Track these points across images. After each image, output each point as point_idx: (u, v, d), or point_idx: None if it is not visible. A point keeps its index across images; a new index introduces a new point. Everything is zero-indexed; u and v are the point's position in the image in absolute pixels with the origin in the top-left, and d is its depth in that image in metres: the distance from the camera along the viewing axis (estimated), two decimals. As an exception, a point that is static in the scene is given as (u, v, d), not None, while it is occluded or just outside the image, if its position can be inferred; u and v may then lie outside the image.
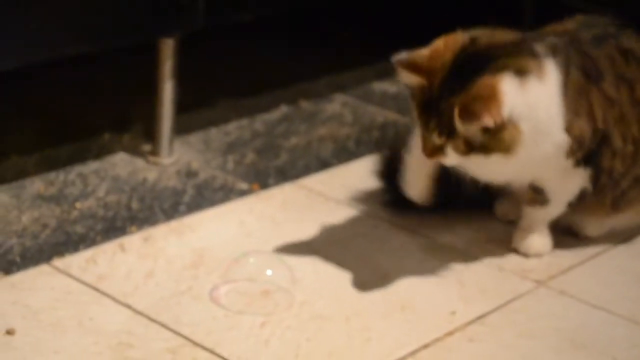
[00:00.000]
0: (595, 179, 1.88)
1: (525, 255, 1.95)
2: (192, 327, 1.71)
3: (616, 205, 1.94)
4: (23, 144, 2.22)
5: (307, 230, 2.00)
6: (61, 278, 1.81)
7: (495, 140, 1.74)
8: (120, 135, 2.31)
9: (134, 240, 1.93)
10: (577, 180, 1.88)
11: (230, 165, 2.25)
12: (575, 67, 1.82)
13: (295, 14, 2.05)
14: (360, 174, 2.14)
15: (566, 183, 1.89)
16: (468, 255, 1.95)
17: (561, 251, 1.98)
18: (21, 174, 2.12)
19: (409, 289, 1.84)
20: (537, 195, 1.92)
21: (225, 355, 1.65)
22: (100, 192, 2.10)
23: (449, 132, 1.74)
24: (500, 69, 1.73)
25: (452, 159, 1.78)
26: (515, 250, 1.96)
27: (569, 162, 1.85)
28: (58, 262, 1.85)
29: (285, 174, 2.22)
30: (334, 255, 1.93)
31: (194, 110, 2.40)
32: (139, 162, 2.22)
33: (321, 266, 1.89)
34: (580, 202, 1.92)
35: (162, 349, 1.65)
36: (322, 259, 1.92)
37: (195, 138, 2.34)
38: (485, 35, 1.78)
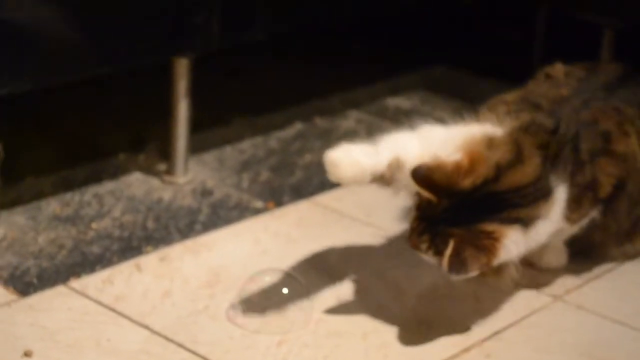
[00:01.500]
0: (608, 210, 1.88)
1: (541, 269, 1.95)
2: (210, 346, 1.71)
3: (634, 231, 1.94)
4: (39, 165, 2.23)
5: (323, 247, 2.00)
6: (78, 299, 1.81)
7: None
8: (136, 155, 2.31)
9: (150, 260, 1.94)
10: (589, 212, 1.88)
11: (245, 183, 2.25)
12: (583, 167, 1.79)
13: (309, 31, 2.06)
14: (375, 190, 2.14)
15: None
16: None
17: (577, 265, 1.98)
18: (37, 195, 2.13)
19: (426, 305, 1.84)
20: None
21: (242, 374, 1.65)
22: (116, 212, 2.10)
23: (437, 252, 1.71)
24: (513, 221, 1.70)
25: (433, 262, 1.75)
26: (531, 265, 1.95)
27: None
28: (75, 282, 1.86)
29: (300, 192, 2.22)
30: (350, 272, 1.93)
31: (209, 129, 2.41)
32: (155, 182, 2.23)
33: (337, 283, 1.89)
34: (596, 227, 1.91)
35: (179, 368, 1.66)
36: (338, 276, 1.92)
37: (210, 157, 2.35)
38: (511, 171, 1.71)
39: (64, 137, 2.37)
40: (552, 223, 1.77)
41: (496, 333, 1.78)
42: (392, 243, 2.02)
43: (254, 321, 1.77)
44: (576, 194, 1.80)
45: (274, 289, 1.81)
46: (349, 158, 1.74)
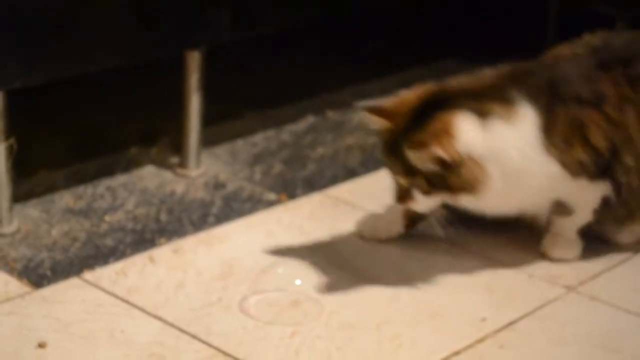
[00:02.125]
0: (616, 192, 1.87)
1: (554, 260, 1.94)
2: (223, 337, 1.71)
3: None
4: (52, 158, 2.24)
5: (336, 239, 2.00)
6: (92, 291, 1.82)
7: (455, 177, 1.74)
8: (148, 149, 2.32)
9: (163, 252, 1.94)
10: (596, 191, 1.88)
11: (257, 176, 2.25)
12: (564, 104, 1.80)
13: (321, 25, 2.06)
14: (388, 182, 2.14)
15: (586, 195, 1.88)
16: (497, 262, 1.95)
17: (591, 256, 1.97)
18: (51, 189, 2.14)
19: (439, 296, 1.84)
20: (561, 207, 1.91)
21: (256, 365, 1.66)
22: (129, 205, 2.11)
23: (410, 171, 1.75)
24: (458, 106, 1.74)
25: (420, 202, 1.79)
26: (544, 256, 1.95)
27: (583, 179, 1.84)
28: (88, 275, 1.86)
29: (313, 184, 2.22)
30: (363, 263, 1.93)
31: (221, 122, 2.41)
32: (167, 175, 2.23)
33: (350, 275, 1.89)
34: (608, 211, 1.91)
35: (193, 359, 1.66)
36: (351, 267, 1.92)
37: (223, 150, 2.35)
38: (457, 81, 1.81)
39: (76, 131, 2.38)
40: (520, 135, 1.76)
41: (510, 324, 1.78)
42: (405, 235, 2.02)
43: (267, 312, 1.77)
44: (562, 131, 1.79)
45: (287, 280, 1.81)
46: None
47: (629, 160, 1.85)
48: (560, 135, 1.80)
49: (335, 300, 1.81)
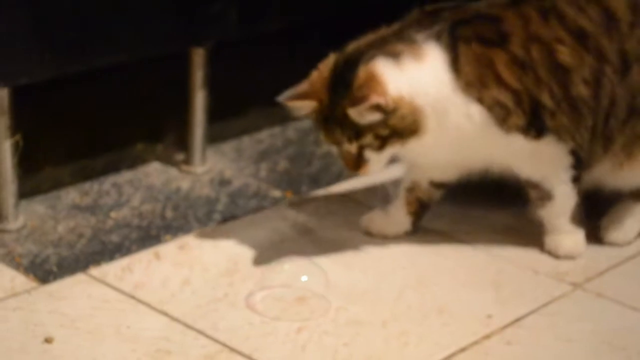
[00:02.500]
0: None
1: (560, 257, 1.94)
2: (229, 333, 1.71)
3: (629, 152, 1.91)
4: (58, 155, 2.23)
5: (341, 236, 2.00)
6: (98, 286, 1.82)
7: (397, 120, 1.77)
8: (154, 145, 2.32)
9: (169, 249, 1.94)
10: (550, 152, 1.86)
11: (263, 173, 2.25)
12: (467, 42, 1.81)
13: (326, 21, 2.06)
14: (394, 179, 2.14)
15: (542, 160, 1.87)
16: (503, 259, 1.95)
17: (597, 253, 1.97)
18: (56, 185, 2.14)
19: (445, 293, 1.84)
20: (535, 191, 1.90)
21: (262, 361, 1.65)
22: (135, 202, 2.11)
23: (356, 134, 1.78)
24: (371, 57, 1.78)
25: (374, 162, 1.82)
26: (550, 254, 1.95)
27: (517, 135, 1.83)
28: (94, 270, 1.86)
29: (318, 181, 2.22)
30: (369, 260, 1.93)
31: (226, 119, 2.41)
32: (173, 171, 2.23)
33: (356, 271, 1.89)
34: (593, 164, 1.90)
35: (199, 355, 1.66)
36: (357, 264, 1.92)
37: (228, 146, 2.35)
38: (358, 40, 1.84)
39: (82, 127, 2.37)
40: (432, 72, 1.79)
41: (516, 320, 1.78)
42: (411, 231, 2.01)
43: (274, 308, 1.77)
44: (472, 69, 1.80)
45: (294, 276, 1.81)
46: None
47: (547, 101, 1.84)
48: (471, 73, 1.81)
49: (341, 296, 1.81)
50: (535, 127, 1.84)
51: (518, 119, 1.83)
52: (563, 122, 1.85)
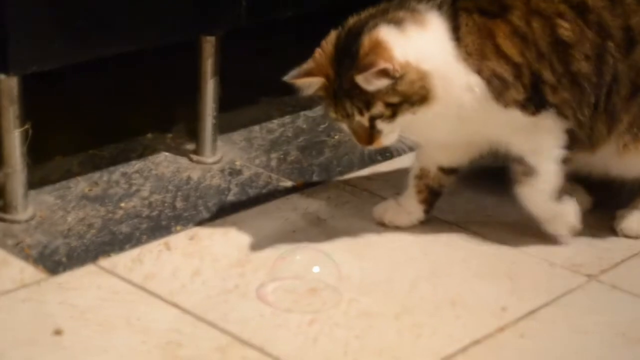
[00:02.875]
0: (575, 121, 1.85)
1: (560, 237, 1.90)
2: (240, 325, 1.69)
3: (635, 133, 1.88)
4: (67, 145, 2.23)
5: (353, 226, 1.99)
6: (107, 278, 1.80)
7: (406, 86, 1.76)
8: (164, 135, 2.30)
9: (179, 239, 1.93)
10: (546, 128, 1.84)
11: (274, 162, 2.24)
12: (468, 13, 1.81)
13: (338, 10, 2.04)
14: (405, 169, 2.12)
15: (536, 135, 1.84)
16: (517, 250, 1.93)
17: (612, 245, 1.95)
18: (66, 175, 2.12)
19: (459, 285, 1.82)
20: (521, 166, 1.87)
21: (274, 353, 1.64)
22: (145, 192, 2.09)
23: (366, 104, 1.77)
24: (374, 26, 1.78)
25: (387, 132, 1.80)
26: (553, 238, 1.91)
27: (516, 111, 1.81)
28: (104, 261, 1.85)
29: (329, 171, 2.20)
30: (381, 251, 1.91)
31: (237, 109, 2.40)
32: (183, 161, 2.22)
33: (368, 262, 1.88)
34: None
35: (210, 347, 1.64)
36: (369, 255, 1.90)
37: (239, 136, 2.34)
38: (359, 14, 1.84)
39: (92, 117, 2.37)
40: (434, 38, 1.79)
41: (531, 313, 1.76)
42: (424, 222, 2.00)
43: (285, 300, 1.76)
44: (472, 39, 1.79)
45: (305, 267, 1.79)
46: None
47: (548, 76, 1.82)
48: (472, 44, 1.80)
49: (353, 287, 1.79)
50: (534, 102, 1.82)
51: (517, 93, 1.81)
52: (565, 97, 1.83)
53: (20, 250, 1.87)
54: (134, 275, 1.81)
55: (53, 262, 1.84)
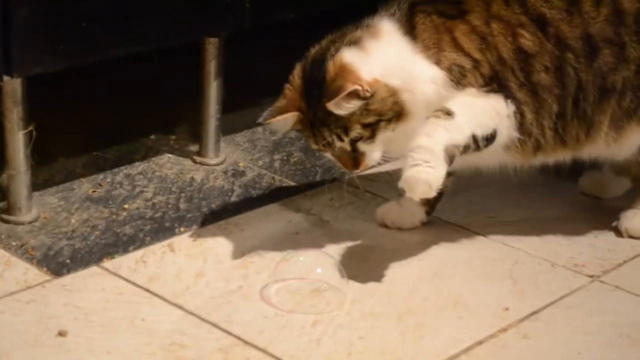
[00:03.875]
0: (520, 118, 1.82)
1: (414, 188, 1.73)
2: (244, 326, 1.70)
3: (619, 127, 1.88)
4: (71, 146, 2.23)
5: (356, 227, 1.99)
6: (111, 279, 1.81)
7: (379, 105, 1.76)
8: (167, 137, 2.31)
9: (183, 241, 1.93)
10: (489, 104, 1.80)
11: (277, 164, 2.24)
12: (426, 14, 1.82)
13: (341, 12, 2.04)
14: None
15: (474, 103, 1.80)
16: (520, 251, 1.93)
17: (615, 245, 1.96)
18: (70, 176, 2.13)
19: (462, 286, 1.82)
20: (441, 108, 1.79)
21: (277, 354, 1.64)
22: (148, 193, 2.10)
23: (344, 129, 1.78)
24: (336, 51, 1.79)
25: (370, 153, 1.80)
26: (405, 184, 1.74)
27: (472, 90, 1.80)
28: (108, 263, 1.85)
29: (332, 172, 2.21)
30: (384, 252, 1.92)
31: (240, 110, 2.40)
32: (186, 163, 2.22)
33: (371, 263, 1.88)
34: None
35: (214, 348, 1.65)
36: (372, 256, 1.90)
37: (242, 137, 2.34)
38: (315, 46, 1.85)
39: (95, 118, 2.37)
40: (390, 44, 1.80)
41: (533, 313, 1.76)
42: (425, 223, 2.00)
43: (288, 301, 1.76)
44: (428, 36, 1.80)
45: (308, 268, 1.80)
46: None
47: (511, 80, 1.82)
48: (429, 39, 1.80)
49: (357, 289, 1.80)
50: (492, 87, 1.81)
51: (474, 81, 1.81)
52: (527, 100, 1.83)
53: (24, 252, 1.87)
54: (138, 276, 1.81)
55: (57, 263, 1.85)
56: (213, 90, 2.20)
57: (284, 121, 1.82)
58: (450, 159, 1.74)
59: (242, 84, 2.42)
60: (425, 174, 1.70)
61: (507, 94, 1.82)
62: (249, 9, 2.13)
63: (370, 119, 1.78)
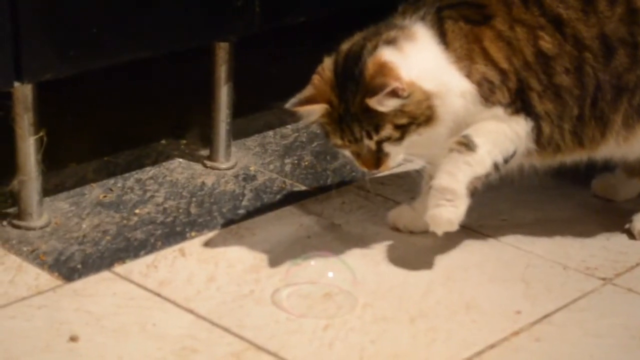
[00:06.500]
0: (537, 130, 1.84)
1: (437, 227, 1.81)
2: (255, 330, 1.70)
3: (630, 125, 1.88)
4: (82, 151, 2.23)
5: (367, 231, 1.99)
6: (123, 284, 1.81)
7: (413, 106, 1.76)
8: (178, 141, 2.31)
9: (194, 245, 1.93)
10: (511, 128, 1.82)
11: (288, 168, 2.24)
12: (453, 20, 1.82)
13: (352, 15, 2.04)
14: (418, 174, 2.12)
15: (496, 130, 1.82)
16: (532, 254, 1.92)
17: (627, 248, 1.95)
18: (80, 181, 2.13)
19: (474, 289, 1.82)
20: (463, 139, 1.82)
21: (289, 358, 1.64)
22: (159, 198, 2.10)
23: (376, 127, 1.77)
24: (374, 48, 1.78)
25: (394, 154, 1.80)
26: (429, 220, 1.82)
27: (498, 109, 1.81)
28: (119, 268, 1.85)
29: (343, 176, 2.20)
30: (395, 256, 1.91)
31: (251, 114, 2.40)
32: (197, 167, 2.22)
33: (383, 267, 1.88)
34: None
35: (226, 353, 1.65)
36: (384, 259, 1.90)
37: (253, 142, 2.34)
38: (351, 38, 1.84)
39: (106, 123, 2.37)
40: (426, 49, 1.79)
41: (546, 316, 1.75)
42: (438, 227, 2.00)
43: (300, 305, 1.76)
44: (459, 45, 1.80)
45: (320, 272, 1.80)
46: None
47: (535, 85, 1.82)
48: (460, 49, 1.80)
49: (368, 292, 1.79)
50: (516, 106, 1.82)
51: (502, 97, 1.82)
52: (549, 109, 1.84)
53: (36, 257, 1.87)
54: (149, 281, 1.81)
55: (68, 268, 1.85)
56: (223, 95, 2.20)
57: (311, 111, 1.81)
58: (473, 191, 1.81)
59: (253, 88, 2.42)
60: (448, 213, 1.80)
61: (528, 111, 1.82)
62: (259, 14, 2.13)
63: (404, 121, 1.77)
